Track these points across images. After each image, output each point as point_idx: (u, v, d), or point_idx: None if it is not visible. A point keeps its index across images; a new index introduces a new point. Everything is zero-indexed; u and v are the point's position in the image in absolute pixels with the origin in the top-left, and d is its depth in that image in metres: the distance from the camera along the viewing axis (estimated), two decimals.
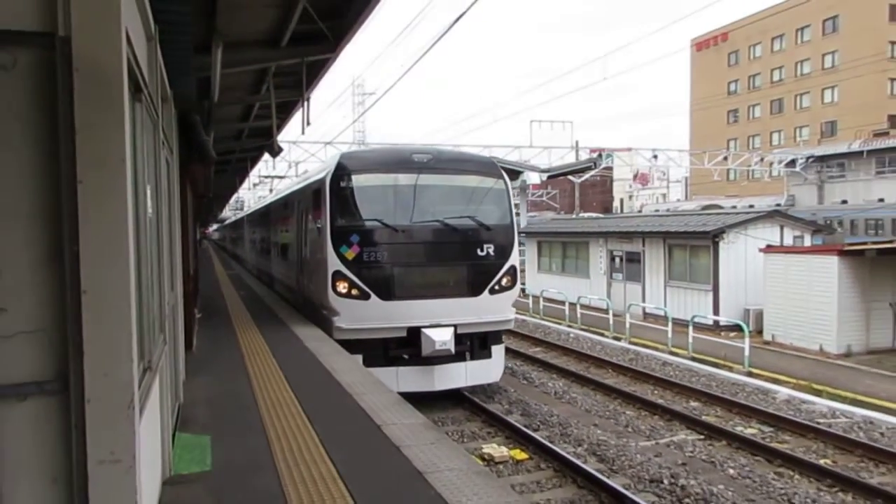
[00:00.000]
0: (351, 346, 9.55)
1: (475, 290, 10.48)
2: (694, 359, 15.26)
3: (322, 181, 10.63)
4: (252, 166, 21.63)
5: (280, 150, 11.52)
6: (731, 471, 8.37)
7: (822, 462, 8.68)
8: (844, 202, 37.56)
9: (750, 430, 10.10)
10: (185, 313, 8.04)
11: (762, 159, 44.10)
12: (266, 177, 32.43)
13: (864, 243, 17.91)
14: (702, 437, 9.78)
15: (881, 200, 33.37)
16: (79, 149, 2.52)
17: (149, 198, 3.99)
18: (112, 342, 2.61)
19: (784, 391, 12.21)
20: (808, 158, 41.37)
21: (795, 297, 16.71)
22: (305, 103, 9.90)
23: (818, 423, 10.27)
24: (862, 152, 39.50)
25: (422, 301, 10.11)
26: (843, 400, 11.73)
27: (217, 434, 5.53)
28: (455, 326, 10.19)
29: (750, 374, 13.68)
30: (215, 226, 64.49)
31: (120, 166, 2.64)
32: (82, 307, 2.54)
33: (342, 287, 9.90)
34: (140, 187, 3.55)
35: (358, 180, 10.41)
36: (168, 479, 4.55)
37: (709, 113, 62.55)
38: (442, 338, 9.95)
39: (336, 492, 4.30)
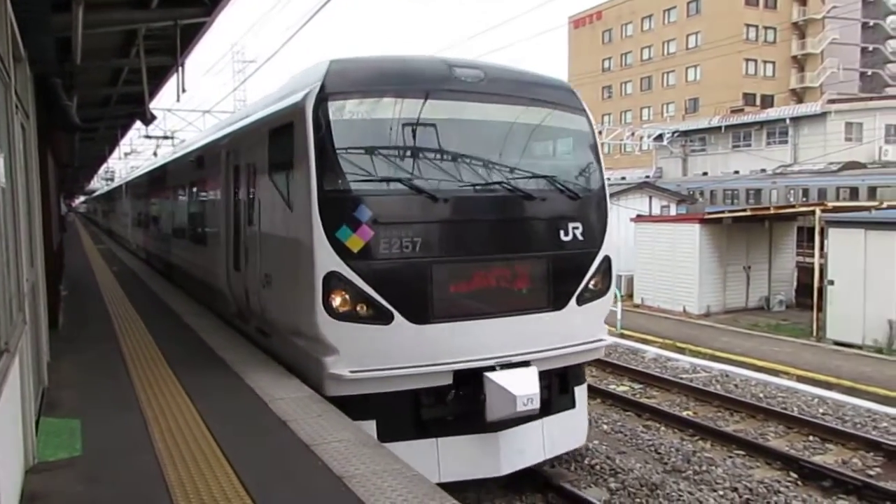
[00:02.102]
0: (357, 406, 5.71)
1: (559, 300, 6.54)
2: None
3: (297, 111, 6.05)
4: (123, 135, 20.21)
5: (153, 118, 10.80)
6: (605, 426, 8.97)
7: (684, 414, 9.50)
8: (705, 174, 40.65)
9: (622, 388, 10.85)
10: (49, 291, 7.51)
11: (633, 134, 46.58)
12: (148, 137, 30.06)
13: (722, 212, 19.58)
14: None
15: (737, 172, 36.37)
16: None
17: (0, 166, 3.67)
18: None
19: (652, 350, 13.20)
20: (673, 133, 44.26)
21: (662, 262, 18.01)
22: (180, 69, 9.28)
23: (681, 378, 11.20)
24: (720, 127, 42.82)
25: (478, 322, 6.11)
26: (703, 356, 12.87)
27: (88, 417, 5.22)
28: (529, 363, 6.24)
29: (622, 336, 14.64)
30: (83, 198, 59.88)
31: None
32: None
33: (342, 302, 5.71)
34: None
35: (364, 109, 6.10)
36: (32, 467, 4.28)
37: (585, 89, 64.53)
38: (526, 389, 5.92)
39: (219, 469, 4.21)
